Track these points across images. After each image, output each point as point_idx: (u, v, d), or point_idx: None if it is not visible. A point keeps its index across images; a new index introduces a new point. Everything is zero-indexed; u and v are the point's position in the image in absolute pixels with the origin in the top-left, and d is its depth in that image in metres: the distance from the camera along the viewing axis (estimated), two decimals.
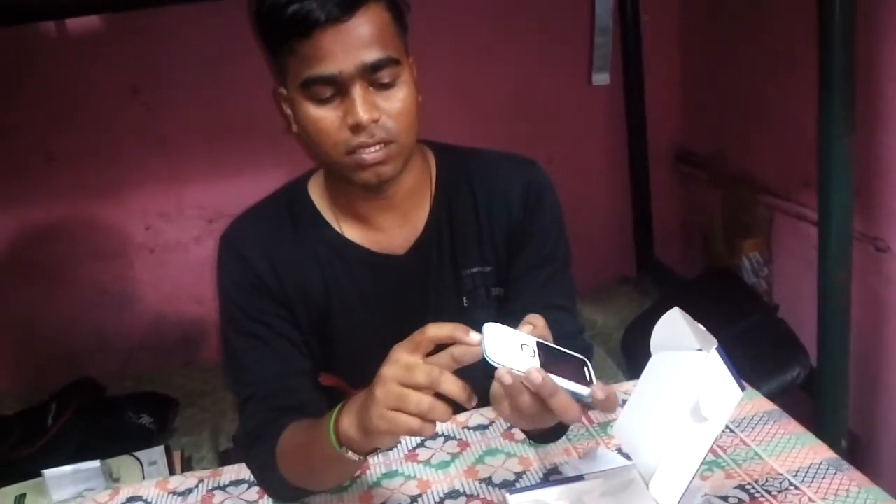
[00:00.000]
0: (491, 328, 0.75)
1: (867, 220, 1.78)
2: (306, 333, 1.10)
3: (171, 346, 2.50)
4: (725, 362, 0.80)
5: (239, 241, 1.09)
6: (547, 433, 1.07)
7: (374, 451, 0.86)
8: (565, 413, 0.74)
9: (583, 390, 0.75)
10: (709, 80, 2.51)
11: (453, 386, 0.75)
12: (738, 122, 2.35)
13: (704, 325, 0.80)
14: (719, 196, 2.44)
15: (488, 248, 1.12)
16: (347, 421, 0.83)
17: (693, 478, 0.81)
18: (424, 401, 0.75)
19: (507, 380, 0.73)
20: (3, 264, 2.36)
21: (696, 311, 0.81)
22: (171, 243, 2.46)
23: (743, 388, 0.80)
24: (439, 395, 0.77)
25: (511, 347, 0.75)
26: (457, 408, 0.77)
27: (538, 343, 0.77)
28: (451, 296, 1.12)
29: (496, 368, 0.74)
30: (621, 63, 2.57)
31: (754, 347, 1.82)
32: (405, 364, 0.77)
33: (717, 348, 0.80)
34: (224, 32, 2.20)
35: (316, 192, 1.12)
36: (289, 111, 1.02)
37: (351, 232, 1.10)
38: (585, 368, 0.78)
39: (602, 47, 2.52)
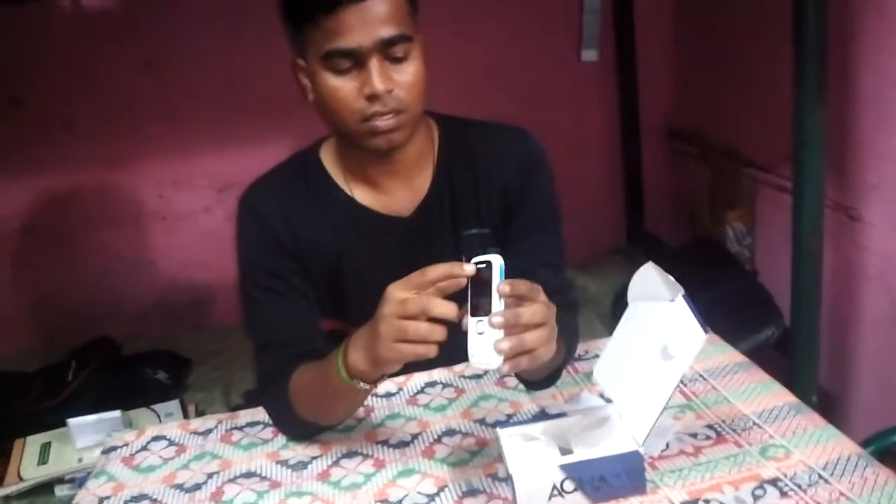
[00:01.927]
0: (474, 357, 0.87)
1: (841, 191, 1.86)
2: (319, 288, 1.19)
3: (182, 310, 2.58)
4: (691, 308, 0.90)
5: (257, 204, 1.17)
6: (542, 378, 1.16)
7: (381, 377, 0.97)
8: (538, 299, 0.89)
9: (497, 264, 0.90)
10: (700, 57, 2.57)
11: (443, 308, 0.87)
12: (727, 98, 2.41)
13: (688, 291, 0.89)
14: (707, 170, 2.51)
15: (486, 211, 1.21)
16: (355, 355, 0.95)
17: (663, 410, 0.92)
18: (422, 327, 0.87)
19: (506, 290, 0.87)
20: (24, 230, 2.43)
21: (681, 278, 0.91)
22: (183, 211, 2.53)
23: (706, 331, 0.90)
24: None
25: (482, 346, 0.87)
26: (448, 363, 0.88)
27: (470, 310, 0.88)
28: (451, 255, 1.21)
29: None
30: (614, 40, 2.63)
31: (733, 310, 1.91)
32: (399, 300, 0.88)
33: (682, 295, 0.90)
34: (235, 7, 2.24)
35: (327, 159, 1.20)
36: (306, 81, 1.10)
37: (360, 195, 1.19)
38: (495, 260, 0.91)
39: (590, 25, 2.58)
